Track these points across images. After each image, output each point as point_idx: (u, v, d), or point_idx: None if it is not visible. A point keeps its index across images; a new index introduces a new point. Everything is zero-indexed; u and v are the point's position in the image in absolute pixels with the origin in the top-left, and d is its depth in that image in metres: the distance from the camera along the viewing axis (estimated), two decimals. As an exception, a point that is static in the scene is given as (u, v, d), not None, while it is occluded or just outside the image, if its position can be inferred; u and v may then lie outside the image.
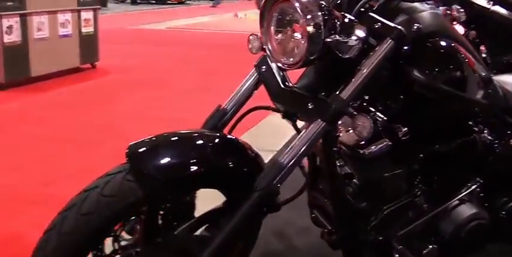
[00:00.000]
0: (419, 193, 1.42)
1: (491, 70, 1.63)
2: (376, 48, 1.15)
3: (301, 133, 1.15)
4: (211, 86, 4.86)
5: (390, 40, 1.15)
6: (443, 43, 1.25)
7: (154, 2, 15.70)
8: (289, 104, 1.26)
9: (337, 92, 1.15)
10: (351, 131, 1.21)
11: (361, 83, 1.14)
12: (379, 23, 1.16)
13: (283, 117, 1.31)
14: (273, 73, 1.27)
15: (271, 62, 1.28)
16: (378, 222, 1.38)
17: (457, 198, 1.43)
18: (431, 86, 1.25)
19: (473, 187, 1.45)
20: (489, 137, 1.47)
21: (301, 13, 1.11)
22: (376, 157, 1.26)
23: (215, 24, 10.68)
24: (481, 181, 1.46)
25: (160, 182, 1.06)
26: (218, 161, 1.14)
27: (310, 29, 1.10)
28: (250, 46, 1.32)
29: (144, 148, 1.12)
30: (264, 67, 1.30)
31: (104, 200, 1.05)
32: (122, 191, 1.05)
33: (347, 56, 1.13)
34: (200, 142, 1.16)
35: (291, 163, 1.12)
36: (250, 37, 1.32)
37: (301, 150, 1.13)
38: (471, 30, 3.81)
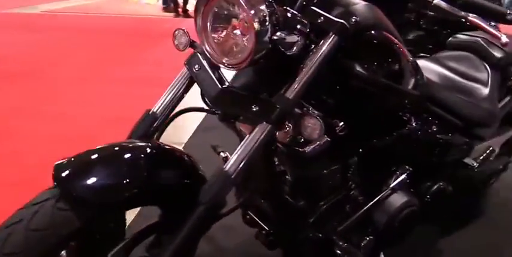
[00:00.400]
0: (353, 186, 1.41)
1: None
2: (320, 44, 1.10)
3: (246, 138, 1.07)
4: (100, 76, 4.57)
5: (333, 35, 1.09)
6: (380, 36, 1.22)
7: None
8: (228, 106, 1.16)
9: (282, 92, 1.08)
10: (287, 129, 1.15)
11: (306, 82, 1.08)
12: (322, 17, 1.09)
13: (221, 120, 1.21)
14: (208, 72, 1.16)
15: (204, 60, 1.17)
16: (316, 219, 1.36)
17: (388, 188, 1.45)
18: (371, 79, 1.22)
19: (403, 175, 1.47)
20: (415, 126, 1.50)
21: (245, 7, 1.01)
22: (316, 155, 1.22)
23: (97, 7, 10.08)
24: (409, 169, 1.48)
25: (97, 207, 0.92)
26: (156, 176, 1.02)
27: (256, 25, 1.01)
28: (176, 42, 1.20)
29: (73, 169, 0.96)
30: (196, 66, 1.18)
31: (32, 235, 0.88)
32: (54, 223, 0.90)
33: (291, 53, 1.06)
34: (135, 155, 1.02)
35: (237, 171, 1.04)
36: (176, 32, 1.20)
37: (247, 156, 1.05)
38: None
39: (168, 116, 1.22)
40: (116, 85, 4.28)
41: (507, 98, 1.89)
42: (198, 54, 1.18)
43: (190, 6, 9.07)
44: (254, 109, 1.08)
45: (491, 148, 1.87)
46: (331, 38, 1.09)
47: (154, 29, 7.68)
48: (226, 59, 1.10)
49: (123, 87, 4.21)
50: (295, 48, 1.06)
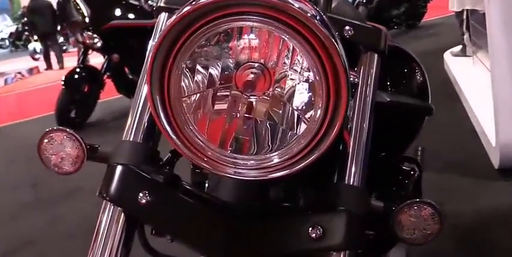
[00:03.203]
0: None
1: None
2: (361, 79, 0.71)
3: None
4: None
5: (374, 54, 0.71)
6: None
7: None
8: (261, 248, 0.68)
9: (335, 181, 0.67)
10: None
11: (367, 146, 0.68)
12: (350, 27, 0.69)
13: None
14: (185, 199, 0.67)
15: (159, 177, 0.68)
16: None
17: None
18: (404, 106, 0.90)
19: None
20: None
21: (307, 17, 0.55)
22: None
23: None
24: None
25: None
26: None
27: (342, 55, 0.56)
28: (52, 160, 0.67)
29: None
30: (142, 194, 0.64)
31: None
32: None
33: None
34: None
35: None
36: (45, 141, 0.68)
37: None
38: (113, 54, 3.68)
39: None
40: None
41: None
42: (133, 168, 0.65)
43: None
44: (313, 235, 0.63)
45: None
46: (374, 60, 0.71)
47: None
48: (265, 157, 0.61)
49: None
50: None
